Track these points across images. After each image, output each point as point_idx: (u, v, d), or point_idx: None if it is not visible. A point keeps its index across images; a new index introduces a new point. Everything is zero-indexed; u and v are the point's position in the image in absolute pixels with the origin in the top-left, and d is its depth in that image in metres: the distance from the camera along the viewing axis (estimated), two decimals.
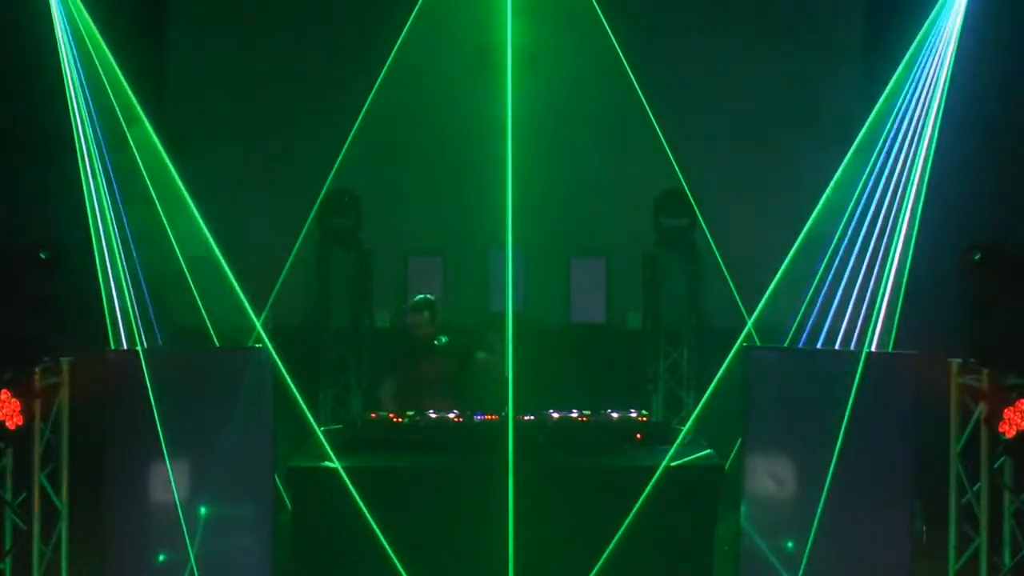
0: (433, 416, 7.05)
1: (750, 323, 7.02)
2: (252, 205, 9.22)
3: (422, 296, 8.02)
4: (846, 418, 6.15)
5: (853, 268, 6.98)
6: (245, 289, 6.93)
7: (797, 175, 8.99)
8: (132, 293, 6.65)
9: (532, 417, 6.99)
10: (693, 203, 8.13)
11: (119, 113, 6.72)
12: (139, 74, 7.04)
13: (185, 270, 7.04)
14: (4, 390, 5.86)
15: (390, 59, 7.45)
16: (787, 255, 7.04)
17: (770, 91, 9.34)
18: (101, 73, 6.77)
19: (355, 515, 6.32)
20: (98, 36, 6.76)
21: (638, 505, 6.34)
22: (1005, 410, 5.84)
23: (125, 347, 6.44)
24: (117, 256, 6.64)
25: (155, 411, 6.17)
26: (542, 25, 7.89)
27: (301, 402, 6.74)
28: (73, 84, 6.68)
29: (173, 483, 6.21)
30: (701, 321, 8.75)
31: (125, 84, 6.82)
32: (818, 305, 6.96)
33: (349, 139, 7.94)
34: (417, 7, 7.35)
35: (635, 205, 9.24)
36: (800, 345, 6.82)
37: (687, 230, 8.51)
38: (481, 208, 9.33)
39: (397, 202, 9.43)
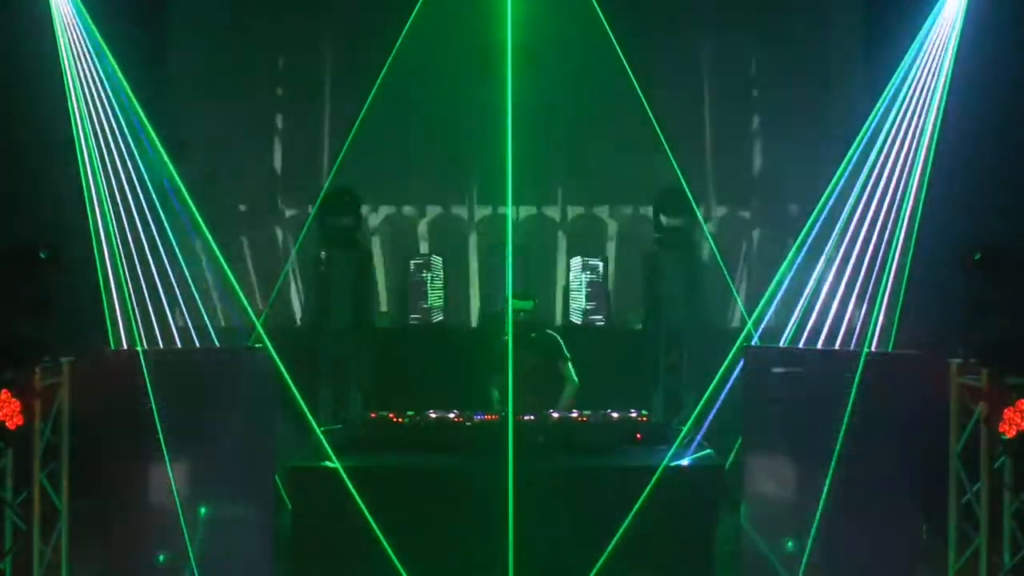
0: (433, 416, 7.05)
1: (750, 323, 7.03)
2: (252, 205, 9.23)
3: (523, 290, 8.02)
4: (846, 418, 6.15)
5: (853, 267, 6.99)
6: (245, 289, 6.94)
7: (797, 174, 9.03)
8: (132, 293, 6.65)
9: (532, 417, 7.00)
10: (693, 203, 8.14)
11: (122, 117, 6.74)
12: (139, 74, 7.04)
13: (185, 270, 7.04)
14: (4, 390, 5.86)
15: (390, 59, 7.45)
16: (787, 254, 7.05)
17: (770, 90, 9.35)
18: (101, 73, 6.78)
19: (355, 515, 6.32)
20: (98, 36, 6.77)
21: (638, 505, 6.34)
22: (1005, 410, 5.84)
23: (125, 347, 6.44)
24: (117, 256, 6.64)
25: (155, 411, 6.17)
26: (542, 24, 7.88)
27: (301, 402, 6.75)
28: (73, 84, 6.68)
29: (173, 483, 6.21)
30: (701, 321, 8.76)
31: (125, 84, 6.82)
32: (818, 305, 6.96)
33: (349, 139, 7.93)
34: (417, 7, 7.35)
35: (635, 205, 9.26)
36: (800, 345, 6.81)
37: (687, 230, 8.51)
38: (482, 207, 9.38)
39: (397, 202, 9.44)
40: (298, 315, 9.04)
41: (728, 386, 6.85)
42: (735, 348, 6.83)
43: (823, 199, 7.02)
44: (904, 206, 6.64)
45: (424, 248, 9.48)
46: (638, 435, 7.02)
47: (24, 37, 7.19)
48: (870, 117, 6.93)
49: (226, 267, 6.94)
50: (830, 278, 6.98)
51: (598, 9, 7.27)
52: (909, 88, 6.78)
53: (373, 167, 9.27)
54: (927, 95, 6.68)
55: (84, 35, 6.72)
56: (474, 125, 8.79)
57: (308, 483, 6.56)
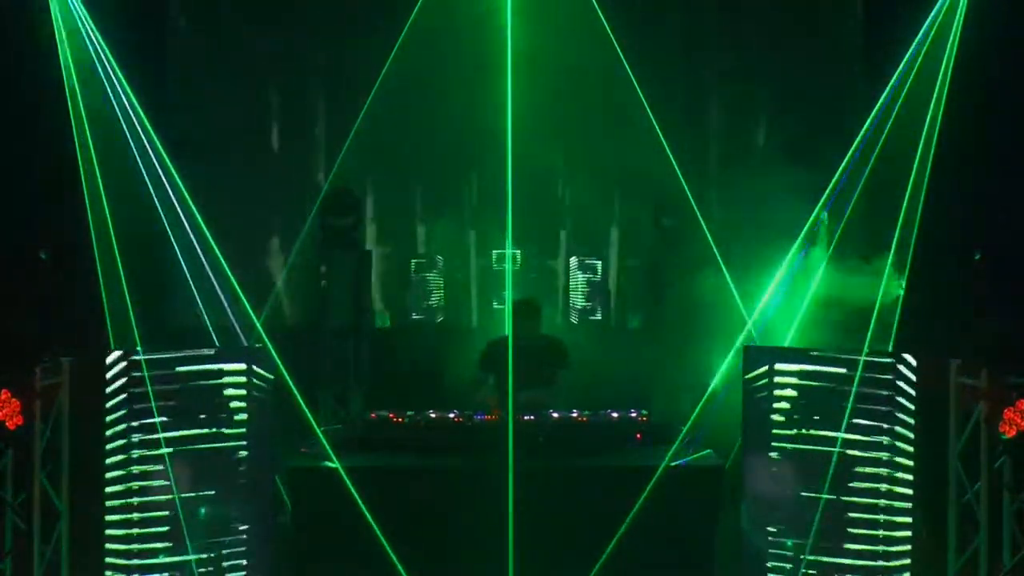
0: (433, 416, 7.06)
1: (750, 323, 7.03)
2: (252, 204, 9.22)
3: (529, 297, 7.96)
4: (846, 418, 6.16)
5: (852, 268, 6.99)
6: (245, 289, 6.95)
7: (797, 174, 9.02)
8: (132, 293, 6.65)
9: (532, 417, 7.00)
10: (693, 203, 8.13)
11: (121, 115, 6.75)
12: (139, 74, 7.04)
13: (185, 270, 7.04)
14: (4, 390, 5.85)
15: (390, 59, 7.46)
16: (787, 255, 7.05)
17: (770, 90, 9.34)
18: (101, 73, 6.78)
19: (355, 515, 6.33)
20: (98, 36, 6.77)
21: (638, 505, 6.34)
22: (1005, 410, 5.84)
23: (125, 347, 6.44)
24: (117, 256, 6.64)
25: (155, 411, 6.17)
26: (542, 25, 7.88)
27: (301, 402, 6.75)
28: (73, 84, 6.68)
29: (173, 483, 6.21)
30: (700, 321, 8.74)
31: (125, 84, 6.83)
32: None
33: (349, 139, 7.94)
34: (417, 7, 7.35)
35: (635, 205, 9.24)
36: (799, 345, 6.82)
37: (684, 230, 8.50)
38: (481, 208, 9.37)
39: (398, 202, 9.43)
40: (298, 315, 9.03)
41: (728, 386, 6.85)
42: (735, 348, 6.83)
43: (823, 198, 7.02)
44: (904, 205, 6.64)
45: (425, 248, 9.47)
46: (638, 435, 7.02)
47: (24, 37, 7.19)
48: (870, 116, 6.94)
49: (226, 266, 6.95)
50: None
51: (599, 12, 7.28)
52: (909, 87, 6.79)
53: (373, 167, 9.27)
54: (927, 94, 6.69)
55: (84, 35, 6.73)
56: (474, 124, 8.82)
57: (308, 483, 6.56)
